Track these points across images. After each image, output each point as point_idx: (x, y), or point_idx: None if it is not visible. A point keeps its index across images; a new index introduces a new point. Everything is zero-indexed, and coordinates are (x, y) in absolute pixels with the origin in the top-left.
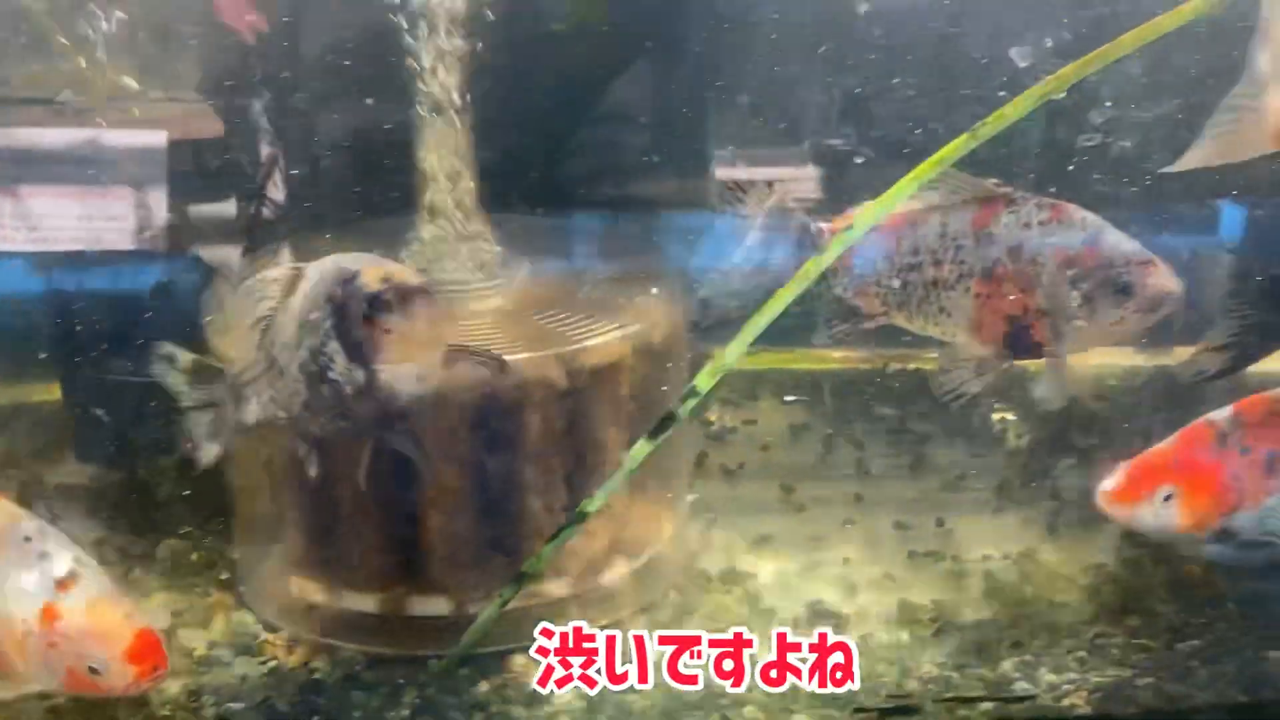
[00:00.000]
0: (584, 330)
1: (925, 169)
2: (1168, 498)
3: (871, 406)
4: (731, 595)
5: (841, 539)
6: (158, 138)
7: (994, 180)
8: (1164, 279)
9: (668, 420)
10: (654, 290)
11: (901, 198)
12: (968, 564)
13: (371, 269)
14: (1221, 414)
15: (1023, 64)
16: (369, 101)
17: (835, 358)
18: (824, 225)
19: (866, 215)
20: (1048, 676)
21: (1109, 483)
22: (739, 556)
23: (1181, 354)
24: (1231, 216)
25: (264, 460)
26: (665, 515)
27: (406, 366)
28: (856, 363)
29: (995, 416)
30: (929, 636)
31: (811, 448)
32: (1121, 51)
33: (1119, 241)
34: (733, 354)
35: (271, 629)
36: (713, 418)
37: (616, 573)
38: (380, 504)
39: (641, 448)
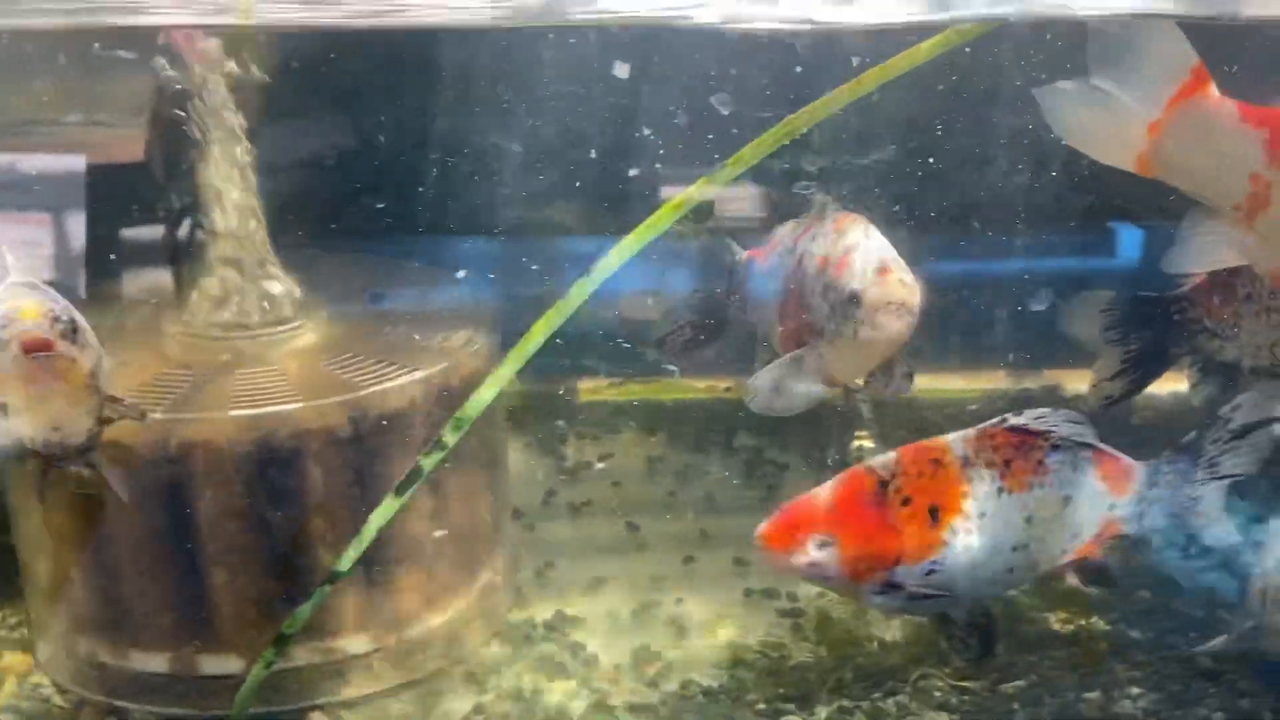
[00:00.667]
0: (375, 375)
1: (666, 212)
2: (822, 545)
3: (733, 437)
4: (554, 643)
5: (681, 578)
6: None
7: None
8: (891, 288)
9: (413, 475)
10: (464, 329)
11: (642, 241)
12: (802, 602)
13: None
14: (882, 461)
15: (724, 111)
16: None
17: (699, 388)
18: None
19: (608, 262)
20: None
21: (763, 526)
22: (573, 600)
23: (1050, 376)
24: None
25: (44, 515)
26: (484, 563)
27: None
28: (721, 392)
29: (853, 445)
30: (752, 680)
31: (665, 482)
32: (863, 90)
33: (873, 251)
34: (477, 402)
35: (63, 691)
36: (569, 452)
37: (425, 625)
38: (160, 559)
39: (388, 505)
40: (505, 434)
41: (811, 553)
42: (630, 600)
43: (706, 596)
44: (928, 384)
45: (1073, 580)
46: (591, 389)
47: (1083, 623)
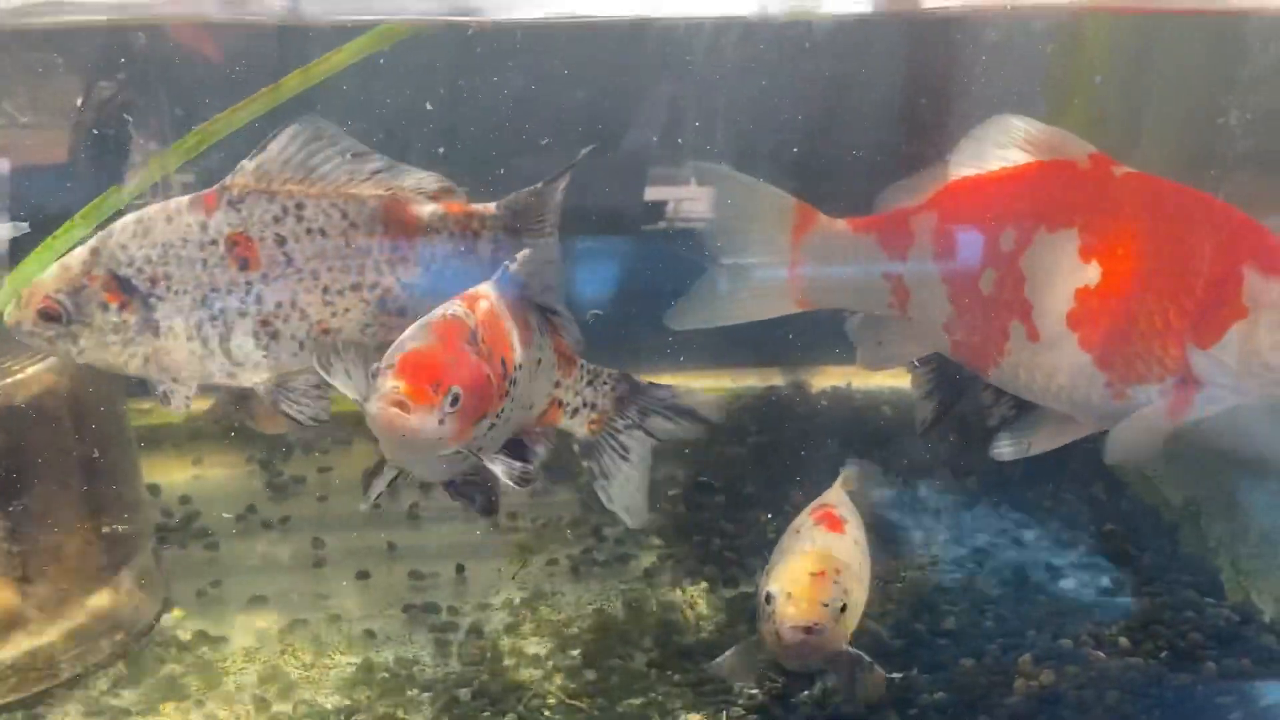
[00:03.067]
0: None
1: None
2: (455, 400)
3: None
4: (181, 664)
5: (349, 595)
6: None
7: None
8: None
9: None
10: None
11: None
12: (463, 617)
13: None
14: (463, 309)
15: None
16: None
17: None
18: None
19: (18, 274)
20: None
21: (401, 385)
22: (223, 619)
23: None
24: None
25: None
26: (100, 582)
27: None
28: None
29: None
30: (371, 697)
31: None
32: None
33: None
34: None
35: None
36: (286, 469)
37: (17, 647)
38: None
39: None
40: (130, 448)
41: (446, 408)
42: (283, 619)
43: (366, 613)
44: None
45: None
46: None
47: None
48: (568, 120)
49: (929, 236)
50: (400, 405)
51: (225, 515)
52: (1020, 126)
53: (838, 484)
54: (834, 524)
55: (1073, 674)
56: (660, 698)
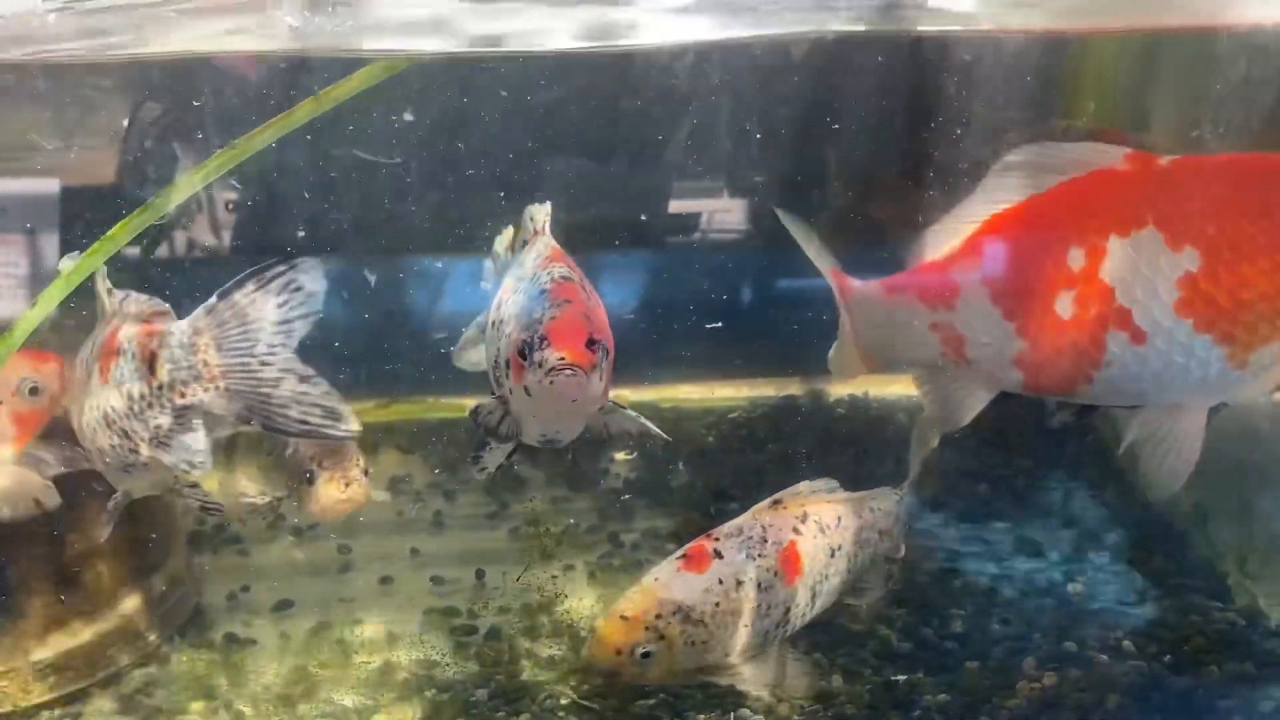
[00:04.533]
0: None
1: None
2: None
3: None
4: (210, 665)
5: (371, 599)
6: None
7: None
8: None
9: None
10: None
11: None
12: (480, 620)
13: None
14: None
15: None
16: None
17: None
18: None
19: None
20: None
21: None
22: (251, 623)
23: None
24: None
25: None
26: (131, 585)
27: None
28: None
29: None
30: (390, 699)
31: (401, 502)
32: (296, 122)
33: None
34: None
35: None
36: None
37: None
38: None
39: None
40: None
41: (601, 362)
42: (309, 622)
43: (389, 617)
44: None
45: None
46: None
47: None
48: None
49: (977, 279)
50: (571, 371)
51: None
52: (1044, 151)
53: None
54: (700, 560)
55: (1075, 678)
56: (671, 699)
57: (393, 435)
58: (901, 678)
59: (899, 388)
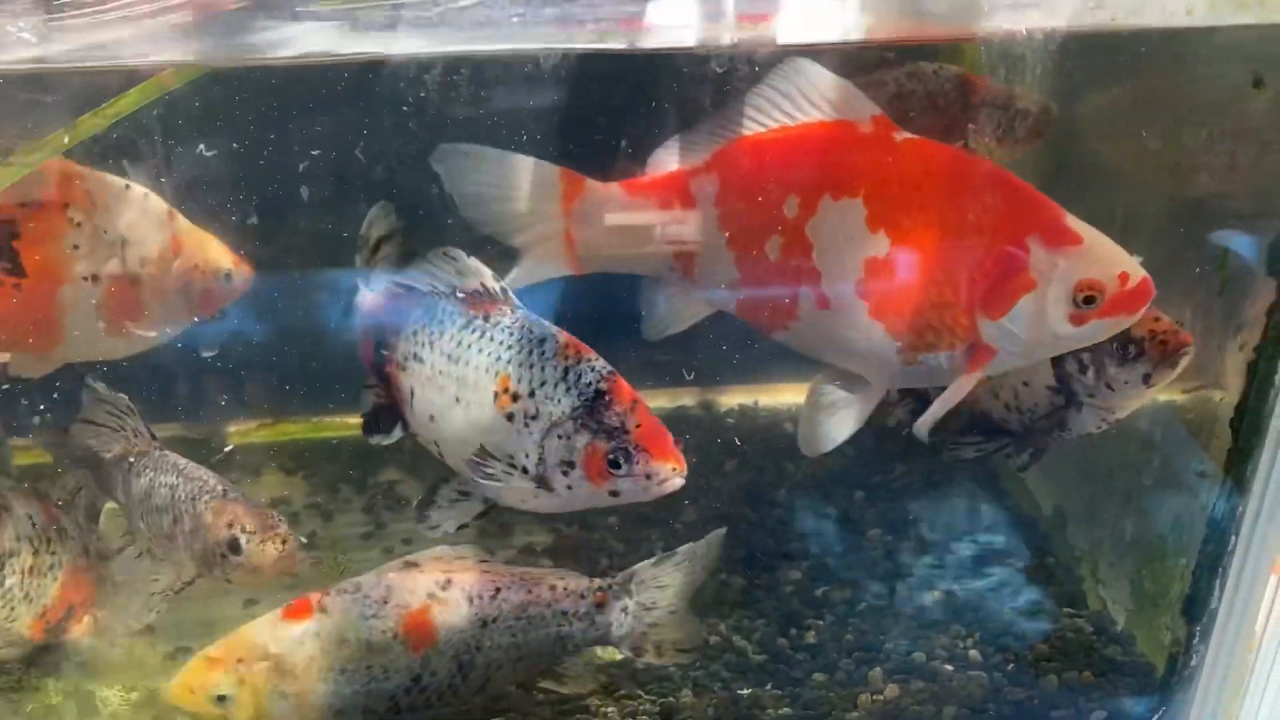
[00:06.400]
0: None
1: None
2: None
3: (374, 473)
4: (60, 694)
5: (239, 622)
6: None
7: None
8: None
9: None
10: None
11: None
12: None
13: None
14: None
15: None
16: None
17: (353, 424)
18: None
19: None
20: None
21: None
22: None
23: None
24: None
25: None
26: None
27: None
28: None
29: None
30: None
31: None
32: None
33: None
34: None
35: None
36: None
37: None
38: None
39: None
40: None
41: None
42: (168, 647)
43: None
44: None
45: None
46: (240, 431)
47: None
48: None
49: (710, 201)
50: (680, 477)
51: None
52: (807, 76)
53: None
54: (300, 610)
55: (916, 689)
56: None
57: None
58: (746, 692)
59: (787, 397)
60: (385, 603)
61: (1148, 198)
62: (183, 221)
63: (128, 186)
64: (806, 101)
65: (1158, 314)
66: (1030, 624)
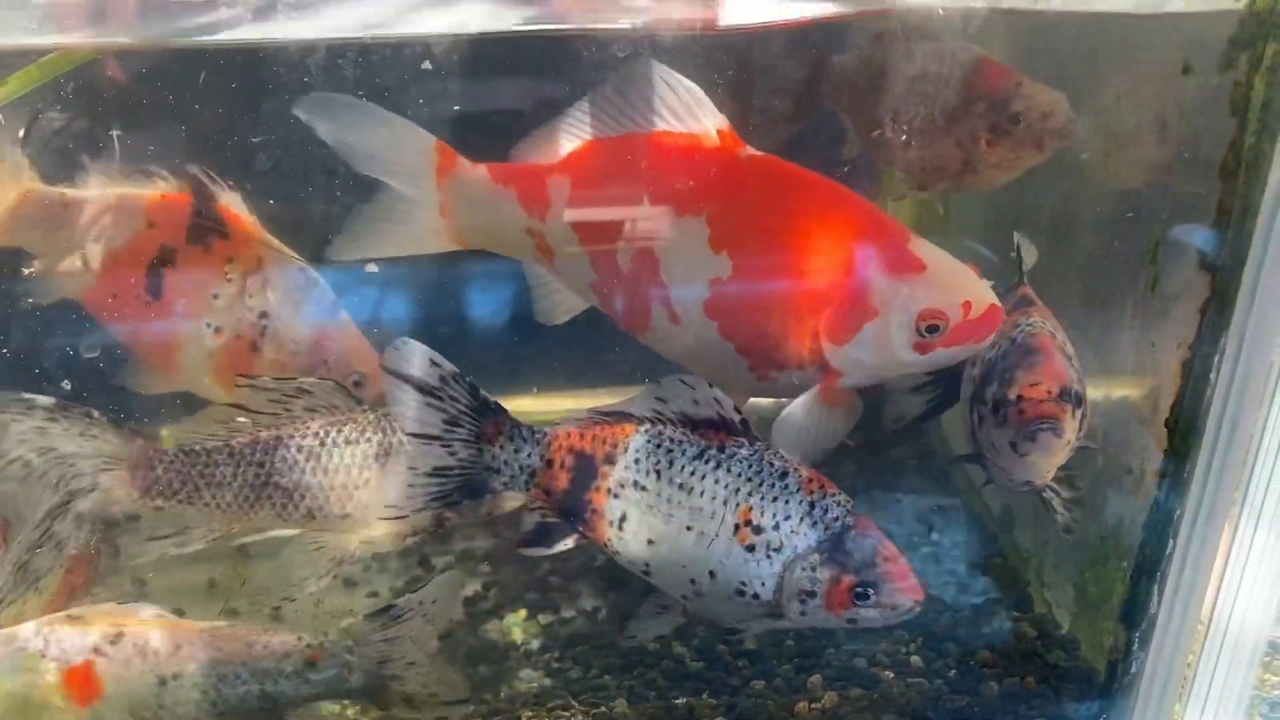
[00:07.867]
0: None
1: None
2: None
3: None
4: None
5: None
6: None
7: None
8: None
9: None
10: None
11: None
12: None
13: None
14: None
15: None
16: None
17: None
18: None
19: None
20: None
21: None
22: None
23: None
24: None
25: None
26: None
27: None
28: None
29: None
30: None
31: None
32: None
33: None
34: None
35: None
36: None
37: None
38: None
39: None
40: None
41: None
42: None
43: None
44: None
45: None
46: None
47: None
48: None
49: (563, 202)
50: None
51: None
52: (658, 80)
53: None
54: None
55: (855, 696)
56: None
57: None
58: (681, 701)
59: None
60: (43, 656)
61: (1077, 190)
62: (343, 325)
63: (303, 270)
64: (652, 109)
65: (1040, 379)
66: (975, 628)
